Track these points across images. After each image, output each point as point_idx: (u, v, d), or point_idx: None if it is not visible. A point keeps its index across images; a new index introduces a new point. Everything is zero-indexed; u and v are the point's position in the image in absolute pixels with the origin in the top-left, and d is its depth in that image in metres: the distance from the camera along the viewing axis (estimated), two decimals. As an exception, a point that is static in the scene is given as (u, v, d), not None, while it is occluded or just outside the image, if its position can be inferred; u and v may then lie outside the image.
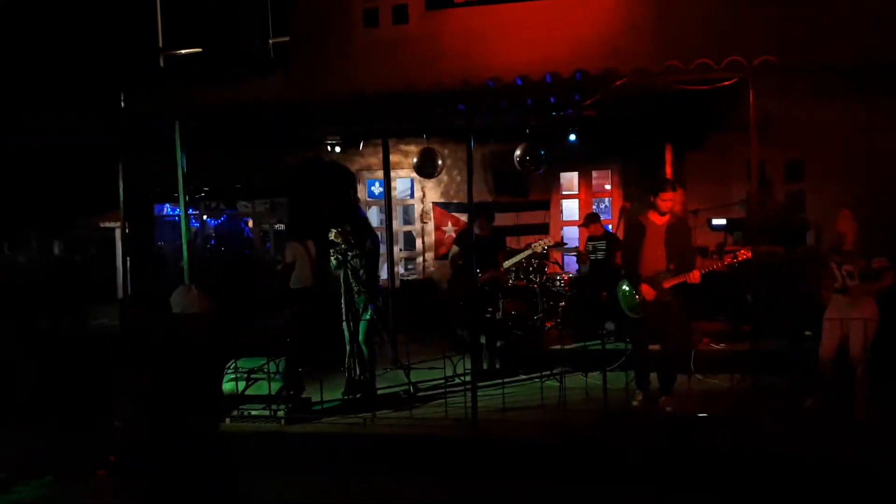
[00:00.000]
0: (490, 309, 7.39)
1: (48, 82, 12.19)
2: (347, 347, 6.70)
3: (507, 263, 7.55)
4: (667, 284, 5.91)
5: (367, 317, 6.64)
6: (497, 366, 7.57)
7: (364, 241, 6.59)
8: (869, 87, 8.16)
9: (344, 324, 6.64)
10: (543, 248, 7.91)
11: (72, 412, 6.94)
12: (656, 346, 6.20)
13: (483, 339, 7.42)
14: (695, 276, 5.85)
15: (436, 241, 11.03)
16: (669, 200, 6.00)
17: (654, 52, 7.97)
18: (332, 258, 6.64)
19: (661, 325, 6.02)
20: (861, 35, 8.16)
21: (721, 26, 8.86)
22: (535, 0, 9.83)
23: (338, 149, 8.54)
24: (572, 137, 8.09)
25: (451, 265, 7.88)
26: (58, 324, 8.94)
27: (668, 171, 8.10)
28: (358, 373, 6.70)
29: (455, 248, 7.65)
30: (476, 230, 7.23)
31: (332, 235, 6.55)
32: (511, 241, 8.94)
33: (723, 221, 8.44)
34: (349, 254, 6.52)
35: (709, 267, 5.95)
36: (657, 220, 6.07)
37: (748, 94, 5.38)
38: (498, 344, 7.62)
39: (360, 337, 6.67)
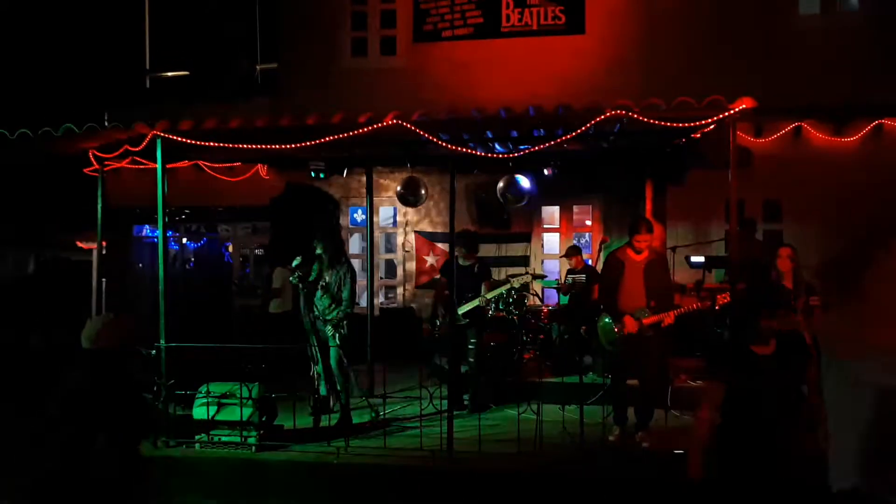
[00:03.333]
0: (473, 340, 7.32)
1: (33, 100, 12.18)
2: (314, 371, 6.66)
3: (481, 299, 7.51)
4: (647, 321, 5.92)
5: (335, 343, 6.58)
6: (476, 397, 7.50)
7: (337, 268, 6.59)
8: (846, 129, 8.36)
9: (308, 348, 6.61)
10: (521, 284, 7.92)
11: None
12: (634, 382, 6.18)
13: (465, 369, 7.35)
14: (670, 318, 5.87)
15: (417, 269, 11.01)
16: (644, 241, 6.02)
17: (637, 90, 8.10)
18: (295, 280, 6.63)
19: (639, 361, 6.01)
20: (840, 80, 8.38)
21: (703, 67, 9.06)
22: (521, 37, 10.02)
23: (321, 175, 8.54)
24: (554, 171, 8.16)
25: (435, 295, 7.83)
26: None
27: (648, 206, 8.18)
28: (318, 396, 6.65)
29: (441, 278, 7.61)
30: (459, 260, 7.21)
31: (297, 261, 6.55)
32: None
33: (701, 259, 8.49)
34: (326, 277, 6.48)
35: (687, 307, 5.96)
36: (635, 257, 6.07)
37: (729, 132, 5.46)
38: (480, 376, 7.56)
39: (333, 364, 6.60)
